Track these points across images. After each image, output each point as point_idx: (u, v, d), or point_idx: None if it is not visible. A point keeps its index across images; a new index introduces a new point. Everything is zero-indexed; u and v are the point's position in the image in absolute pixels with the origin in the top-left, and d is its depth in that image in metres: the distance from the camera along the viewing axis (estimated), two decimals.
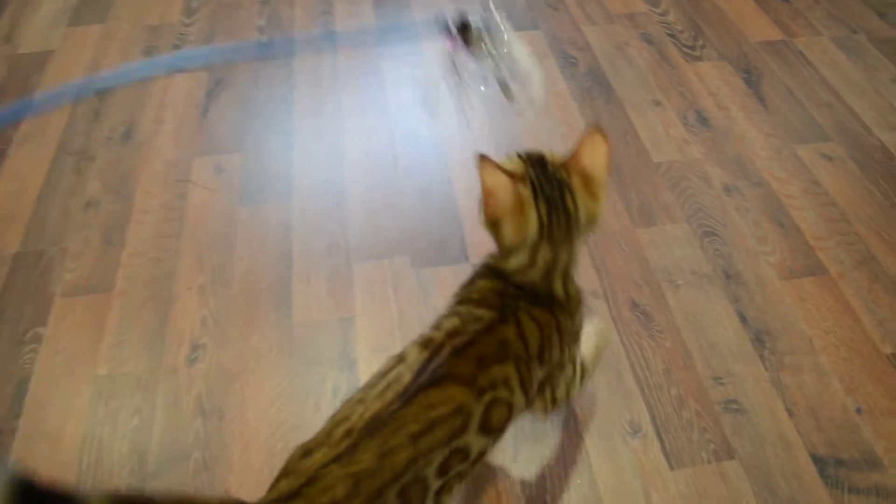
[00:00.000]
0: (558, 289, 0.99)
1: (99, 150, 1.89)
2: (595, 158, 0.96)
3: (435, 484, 0.85)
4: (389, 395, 0.85)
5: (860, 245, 1.63)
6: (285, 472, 0.85)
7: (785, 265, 1.59)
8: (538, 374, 0.97)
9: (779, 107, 1.96)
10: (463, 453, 0.87)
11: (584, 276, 1.55)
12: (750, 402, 1.37)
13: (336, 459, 0.81)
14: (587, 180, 0.96)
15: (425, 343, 0.92)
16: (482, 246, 1.60)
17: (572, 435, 1.32)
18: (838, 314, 1.51)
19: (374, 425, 0.83)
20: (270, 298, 1.54)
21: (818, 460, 1.29)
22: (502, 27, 1.39)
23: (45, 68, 2.17)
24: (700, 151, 1.83)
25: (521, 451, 1.30)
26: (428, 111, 1.37)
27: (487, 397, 0.88)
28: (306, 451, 0.85)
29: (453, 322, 0.94)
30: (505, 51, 1.38)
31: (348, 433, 0.83)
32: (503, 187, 0.93)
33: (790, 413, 1.35)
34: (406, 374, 0.87)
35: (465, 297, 1.02)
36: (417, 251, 1.62)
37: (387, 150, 1.85)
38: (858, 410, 1.36)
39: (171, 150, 1.88)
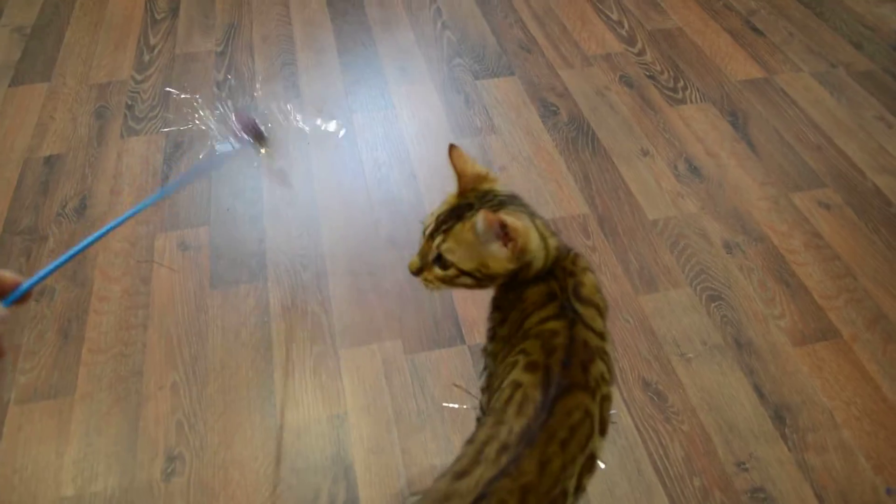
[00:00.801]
0: (568, 265, 1.00)
1: (50, 227, 1.73)
2: (467, 163, 1.00)
3: (572, 492, 0.86)
4: (530, 410, 0.84)
5: (869, 302, 1.56)
6: (441, 499, 0.82)
7: (796, 329, 1.51)
8: (611, 351, 0.98)
9: (769, 152, 1.89)
10: (592, 459, 0.88)
11: None
12: (777, 489, 1.28)
13: (502, 474, 0.80)
14: (481, 181, 1.00)
15: (531, 366, 0.89)
16: (477, 324, 1.50)
17: None
18: (856, 382, 1.43)
19: (529, 438, 0.82)
20: (252, 396, 1.40)
21: None
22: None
23: None
24: (695, 205, 1.75)
25: None
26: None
27: (598, 396, 0.89)
28: (457, 474, 0.82)
29: (535, 344, 0.92)
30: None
31: (504, 449, 0.82)
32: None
33: (820, 499, 1.27)
34: (534, 392, 0.86)
35: (519, 315, 0.98)
36: (408, 333, 1.50)
37: (366, 215, 1.73)
38: (889, 491, 1.28)
39: (129, 225, 1.74)
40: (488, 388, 0.99)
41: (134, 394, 1.41)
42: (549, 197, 1.77)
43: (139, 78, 2.17)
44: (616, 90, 2.09)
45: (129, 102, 2.08)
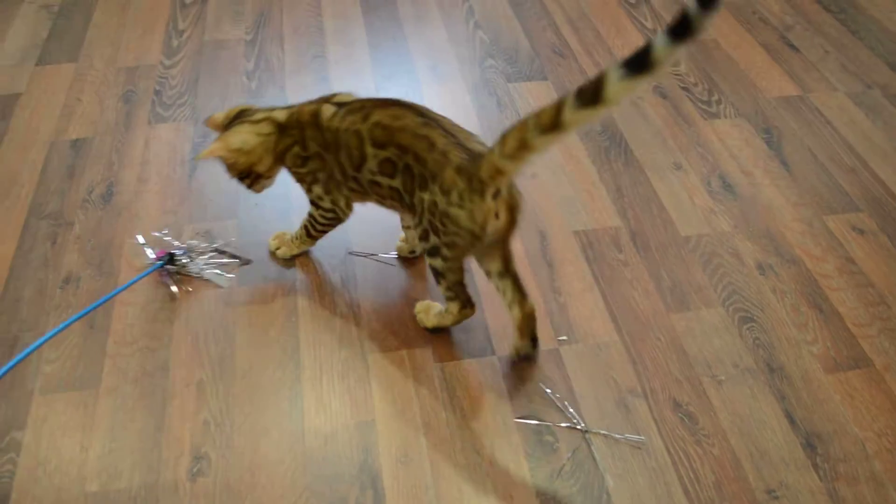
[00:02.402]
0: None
1: (76, 213, 1.72)
2: (218, 121, 1.50)
3: None
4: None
5: None
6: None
7: (829, 356, 1.49)
8: None
9: (803, 172, 1.87)
10: None
11: (621, 371, 1.44)
12: None
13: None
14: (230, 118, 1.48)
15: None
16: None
17: None
18: (888, 413, 1.41)
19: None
20: (279, 398, 1.39)
21: None
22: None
23: (13, 114, 1.99)
24: (728, 223, 1.73)
25: None
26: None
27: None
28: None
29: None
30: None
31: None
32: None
33: None
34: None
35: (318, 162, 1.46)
36: (438, 341, 1.48)
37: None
38: None
39: (156, 214, 1.72)
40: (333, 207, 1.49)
41: (160, 390, 1.40)
42: (580, 207, 1.75)
43: (168, 63, 2.15)
44: (650, 100, 2.07)
45: (158, 88, 2.06)
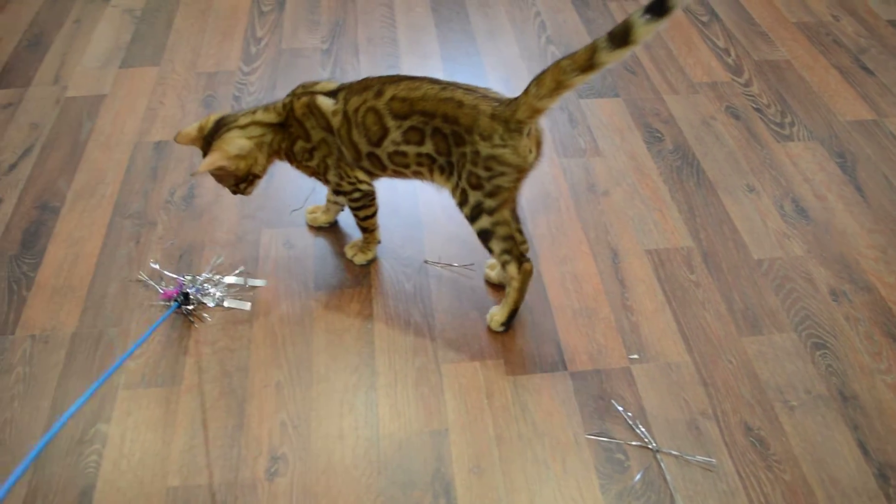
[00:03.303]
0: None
1: (159, 214, 1.77)
2: (191, 135, 1.53)
3: None
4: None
5: None
6: None
7: None
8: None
9: (878, 198, 1.85)
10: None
11: (692, 392, 1.44)
12: None
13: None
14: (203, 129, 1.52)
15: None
16: (580, 351, 1.50)
17: None
18: None
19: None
20: (355, 403, 1.42)
21: None
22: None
23: (98, 114, 2.06)
24: (801, 248, 1.72)
25: None
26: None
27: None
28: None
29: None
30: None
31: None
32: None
33: None
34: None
35: (325, 149, 1.52)
36: (510, 354, 1.50)
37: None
38: None
39: (234, 218, 1.77)
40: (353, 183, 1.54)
41: (239, 389, 1.44)
42: (652, 226, 1.76)
43: (246, 70, 2.20)
44: (722, 120, 2.06)
45: (237, 94, 2.11)
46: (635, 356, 1.51)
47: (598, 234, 1.74)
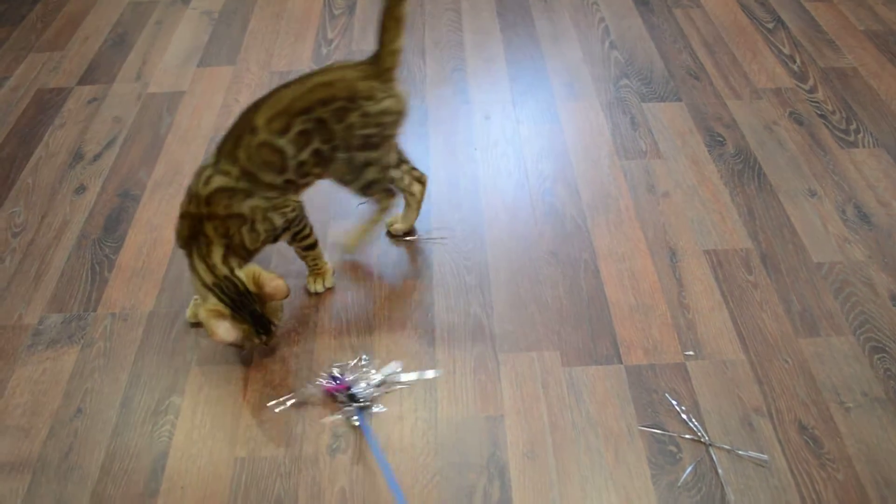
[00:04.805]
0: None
1: None
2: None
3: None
4: None
5: None
6: None
7: None
8: None
9: None
10: None
11: (747, 390, 1.46)
12: None
13: None
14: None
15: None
16: (635, 346, 1.52)
17: None
18: None
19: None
20: (415, 387, 1.47)
21: None
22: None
23: (177, 110, 2.16)
24: (863, 253, 1.72)
25: None
26: None
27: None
28: None
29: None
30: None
31: None
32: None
33: None
34: None
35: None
36: (566, 346, 1.54)
37: (530, 228, 1.78)
38: None
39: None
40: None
41: (305, 370, 1.51)
42: (711, 227, 1.78)
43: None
44: (785, 126, 2.06)
45: None
46: (690, 353, 1.52)
47: (657, 234, 1.76)
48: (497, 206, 1.84)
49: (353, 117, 1.44)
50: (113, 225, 1.82)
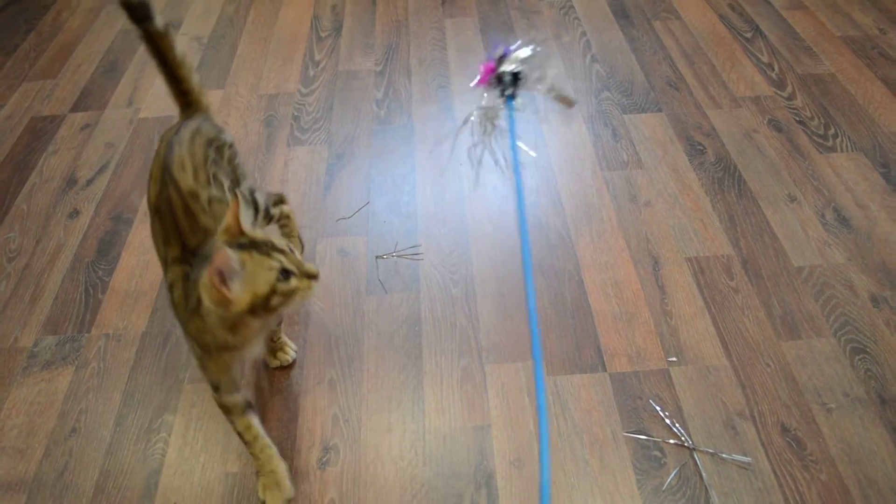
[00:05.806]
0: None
1: None
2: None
3: None
4: None
5: None
6: None
7: None
8: None
9: None
10: None
11: (730, 394, 1.48)
12: None
13: None
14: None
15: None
16: (619, 354, 1.55)
17: None
18: None
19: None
20: (402, 399, 1.50)
21: None
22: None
23: None
24: (842, 256, 1.75)
25: None
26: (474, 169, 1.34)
27: None
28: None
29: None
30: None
31: None
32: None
33: None
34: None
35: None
36: (551, 356, 1.57)
37: (514, 240, 1.81)
38: None
39: None
40: None
41: (295, 385, 1.53)
42: (692, 235, 1.81)
43: (304, 91, 2.33)
44: (764, 133, 2.10)
45: (296, 114, 2.23)
46: (674, 359, 1.55)
47: (640, 243, 1.79)
48: (482, 219, 1.87)
49: (226, 151, 1.47)
50: (106, 248, 1.85)
